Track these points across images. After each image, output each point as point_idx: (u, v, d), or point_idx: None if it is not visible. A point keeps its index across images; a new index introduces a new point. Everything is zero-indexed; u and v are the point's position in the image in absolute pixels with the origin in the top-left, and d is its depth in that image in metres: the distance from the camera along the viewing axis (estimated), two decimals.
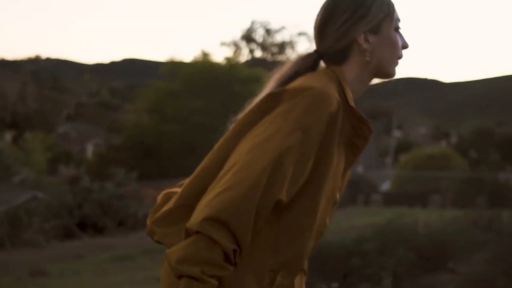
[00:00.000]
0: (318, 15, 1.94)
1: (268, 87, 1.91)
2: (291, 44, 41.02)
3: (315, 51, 1.93)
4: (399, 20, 1.98)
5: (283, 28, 40.98)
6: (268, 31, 40.83)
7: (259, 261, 1.75)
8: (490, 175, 33.37)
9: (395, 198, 31.18)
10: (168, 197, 1.88)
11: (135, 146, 34.17)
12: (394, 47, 1.95)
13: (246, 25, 46.04)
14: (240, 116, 1.83)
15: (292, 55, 41.48)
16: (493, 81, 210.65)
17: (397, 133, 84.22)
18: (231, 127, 1.83)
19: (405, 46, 1.98)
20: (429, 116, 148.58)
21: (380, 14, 1.91)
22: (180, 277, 1.61)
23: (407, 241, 10.02)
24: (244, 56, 41.31)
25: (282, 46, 40.93)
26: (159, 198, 1.91)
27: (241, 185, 1.66)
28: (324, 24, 1.91)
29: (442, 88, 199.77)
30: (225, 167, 1.72)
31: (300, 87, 1.77)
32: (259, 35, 41.26)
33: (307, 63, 1.91)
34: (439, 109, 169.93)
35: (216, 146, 1.82)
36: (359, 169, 67.34)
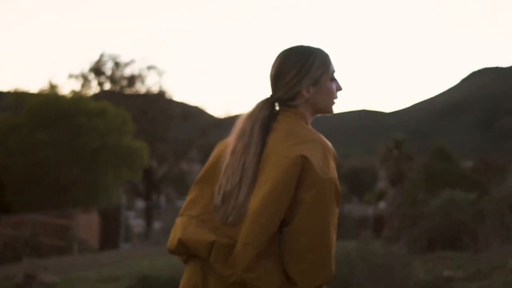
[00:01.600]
0: (272, 69, 2.53)
1: (252, 128, 2.44)
2: (140, 77, 40.75)
3: (271, 96, 2.52)
4: (334, 71, 2.56)
5: (132, 61, 40.67)
6: (117, 64, 40.39)
7: None
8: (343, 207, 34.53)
9: None
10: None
11: None
12: (329, 93, 2.54)
13: (95, 58, 45.28)
14: (272, 176, 2.29)
15: (141, 88, 41.31)
16: (340, 116, 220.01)
17: None
18: (265, 187, 2.29)
19: (339, 89, 2.59)
20: None
21: (319, 70, 2.50)
22: None
23: None
24: (93, 88, 40.51)
25: (131, 79, 40.60)
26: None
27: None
28: (276, 78, 2.50)
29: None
30: (309, 230, 2.25)
31: (322, 148, 2.37)
32: (108, 67, 40.70)
33: (270, 106, 2.50)
34: None
35: (264, 199, 2.27)
36: None
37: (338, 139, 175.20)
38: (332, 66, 2.55)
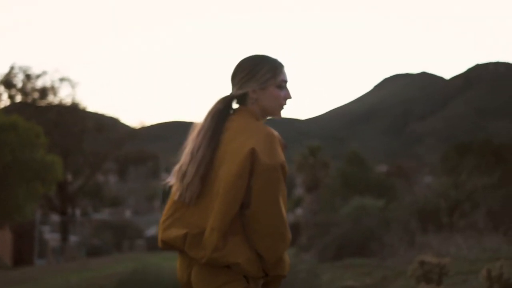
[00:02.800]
0: (233, 70, 2.92)
1: (211, 120, 2.85)
2: (52, 89, 39.89)
3: (230, 94, 2.90)
4: (284, 80, 2.92)
5: (44, 73, 39.80)
6: (28, 76, 39.45)
7: None
8: None
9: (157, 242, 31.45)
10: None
11: None
12: (274, 98, 2.89)
13: (4, 70, 44.02)
14: (228, 169, 2.69)
15: (54, 100, 40.52)
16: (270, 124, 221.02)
17: (165, 177, 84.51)
18: (229, 174, 2.68)
19: (287, 97, 2.94)
20: None
21: (266, 76, 2.87)
22: None
23: None
24: (4, 101, 39.45)
25: (43, 91, 39.70)
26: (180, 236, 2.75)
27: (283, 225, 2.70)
28: (232, 77, 2.92)
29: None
30: (266, 210, 2.67)
31: (268, 140, 2.73)
32: (19, 79, 39.70)
33: (226, 101, 2.89)
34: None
35: (226, 187, 2.67)
36: (127, 214, 66.83)
37: None
38: (283, 75, 2.93)
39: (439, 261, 6.52)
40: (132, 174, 75.27)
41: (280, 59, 2.96)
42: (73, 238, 38.01)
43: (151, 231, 42.86)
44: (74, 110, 40.86)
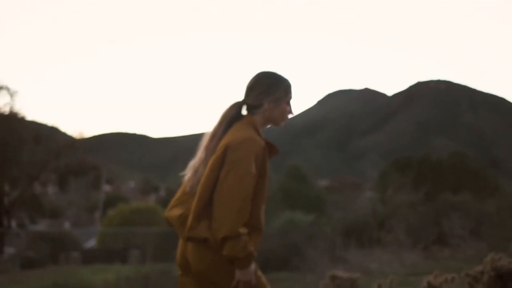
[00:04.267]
0: (250, 81, 3.54)
1: (221, 124, 3.49)
2: None
3: (243, 101, 3.55)
4: (291, 98, 3.58)
5: None
6: None
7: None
8: None
9: (96, 255, 31.02)
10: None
11: None
12: (282, 112, 3.55)
13: None
14: (209, 164, 3.32)
15: None
16: (198, 137, 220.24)
17: (106, 188, 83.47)
18: (207, 167, 3.30)
19: (290, 112, 3.61)
20: (139, 171, 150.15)
21: (281, 94, 3.52)
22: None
23: None
24: None
25: None
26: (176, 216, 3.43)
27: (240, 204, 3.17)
28: (250, 89, 3.53)
29: (150, 143, 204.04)
30: (219, 196, 3.18)
31: (240, 140, 3.29)
32: None
33: (238, 108, 3.52)
34: (148, 163, 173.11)
35: (202, 179, 3.29)
36: (66, 226, 65.72)
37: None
38: (291, 94, 3.59)
39: (350, 275, 6.70)
40: (72, 185, 74.19)
41: (288, 79, 3.62)
42: (9, 250, 37.23)
43: (89, 243, 42.29)
44: (12, 119, 40.10)
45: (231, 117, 3.50)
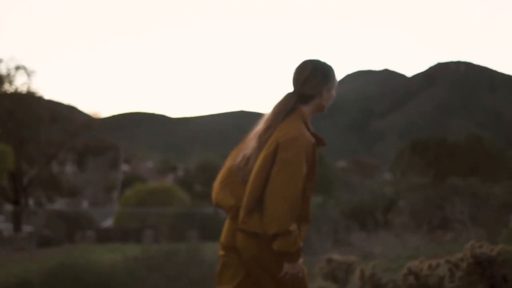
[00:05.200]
0: (302, 71, 3.58)
1: (277, 116, 3.50)
2: (8, 77, 39.43)
3: (298, 91, 3.57)
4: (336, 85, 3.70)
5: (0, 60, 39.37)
6: None
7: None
8: (201, 208, 34.84)
9: (111, 234, 31.35)
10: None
11: None
12: (331, 98, 3.65)
13: None
14: (259, 160, 3.37)
15: (9, 89, 40.08)
16: (218, 117, 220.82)
17: (124, 168, 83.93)
18: (258, 163, 3.37)
19: (333, 97, 3.69)
20: (157, 151, 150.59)
21: (334, 82, 3.65)
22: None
23: (76, 281, 10.14)
24: None
25: None
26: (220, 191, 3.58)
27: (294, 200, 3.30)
28: (307, 79, 3.55)
29: (169, 123, 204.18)
30: (271, 194, 3.27)
31: (291, 138, 3.35)
32: None
33: (294, 99, 3.54)
34: (167, 143, 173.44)
35: (253, 175, 3.36)
36: (84, 205, 66.38)
37: (215, 140, 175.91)
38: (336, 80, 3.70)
39: (346, 259, 6.75)
40: (90, 164, 74.66)
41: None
42: (27, 228, 37.70)
43: (107, 223, 42.68)
44: (29, 99, 40.41)
45: (288, 109, 3.54)
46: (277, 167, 3.30)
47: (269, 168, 3.33)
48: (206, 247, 18.05)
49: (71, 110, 48.83)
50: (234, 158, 3.62)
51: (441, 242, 12.09)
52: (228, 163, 3.64)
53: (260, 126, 3.56)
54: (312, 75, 3.58)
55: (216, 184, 3.63)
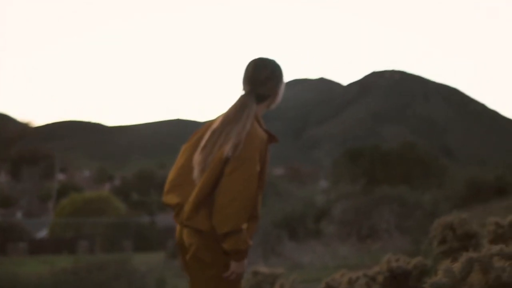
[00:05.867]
0: (262, 71, 3.50)
1: (234, 114, 3.41)
2: None
3: (253, 90, 3.48)
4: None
5: None
6: None
7: None
8: (136, 218, 34.50)
9: (44, 245, 30.77)
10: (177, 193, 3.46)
11: None
12: (279, 96, 3.63)
13: None
14: (217, 155, 3.31)
15: None
16: (155, 125, 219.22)
17: (60, 177, 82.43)
18: (213, 160, 3.31)
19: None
20: (93, 160, 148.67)
21: (283, 80, 3.59)
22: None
23: None
24: None
25: None
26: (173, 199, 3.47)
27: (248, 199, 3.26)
28: (268, 79, 3.49)
29: (105, 131, 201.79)
30: (225, 192, 3.22)
31: (246, 136, 3.31)
32: None
33: (250, 97, 3.45)
34: (103, 152, 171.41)
35: (207, 172, 3.30)
36: (18, 215, 64.87)
37: (153, 149, 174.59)
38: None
39: (272, 271, 6.81)
40: (25, 174, 73.22)
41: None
42: None
43: (42, 233, 41.77)
44: None
45: (244, 108, 3.46)
46: (232, 165, 3.26)
47: (223, 166, 3.29)
48: (139, 257, 17.89)
49: (4, 119, 47.86)
50: (187, 155, 3.53)
51: (370, 250, 12.25)
52: (179, 162, 3.56)
53: (216, 124, 3.47)
54: (273, 75, 3.54)
55: (167, 184, 3.55)
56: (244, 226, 3.25)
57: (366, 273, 4.41)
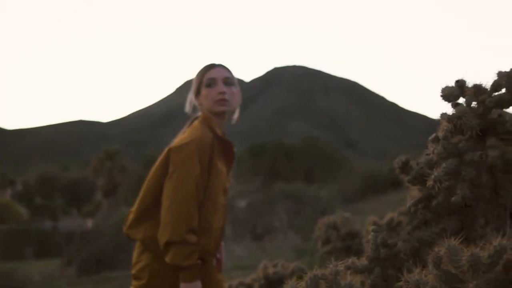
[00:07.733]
0: None
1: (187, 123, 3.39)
2: None
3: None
4: (210, 78, 3.31)
5: None
6: None
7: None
8: (38, 224, 33.65)
9: None
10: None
11: None
12: (207, 98, 3.30)
13: None
14: (156, 163, 3.17)
15: None
16: (57, 127, 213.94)
17: None
18: (153, 168, 3.17)
19: (219, 91, 3.29)
20: None
21: (197, 82, 3.34)
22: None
23: None
24: None
25: None
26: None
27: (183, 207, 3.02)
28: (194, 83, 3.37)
29: (5, 135, 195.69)
30: (164, 199, 3.05)
31: (184, 142, 3.13)
32: None
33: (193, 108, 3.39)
34: (4, 156, 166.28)
35: (146, 180, 3.18)
36: None
37: (55, 151, 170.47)
38: (208, 74, 3.34)
39: None
40: None
41: (210, 62, 3.41)
42: None
43: None
44: None
45: (193, 116, 3.40)
46: (170, 171, 3.07)
47: (163, 174, 3.11)
48: (39, 265, 17.42)
49: None
50: None
51: (267, 249, 12.37)
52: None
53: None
54: (195, 76, 3.41)
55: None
56: (192, 239, 2.99)
57: (242, 281, 4.46)
